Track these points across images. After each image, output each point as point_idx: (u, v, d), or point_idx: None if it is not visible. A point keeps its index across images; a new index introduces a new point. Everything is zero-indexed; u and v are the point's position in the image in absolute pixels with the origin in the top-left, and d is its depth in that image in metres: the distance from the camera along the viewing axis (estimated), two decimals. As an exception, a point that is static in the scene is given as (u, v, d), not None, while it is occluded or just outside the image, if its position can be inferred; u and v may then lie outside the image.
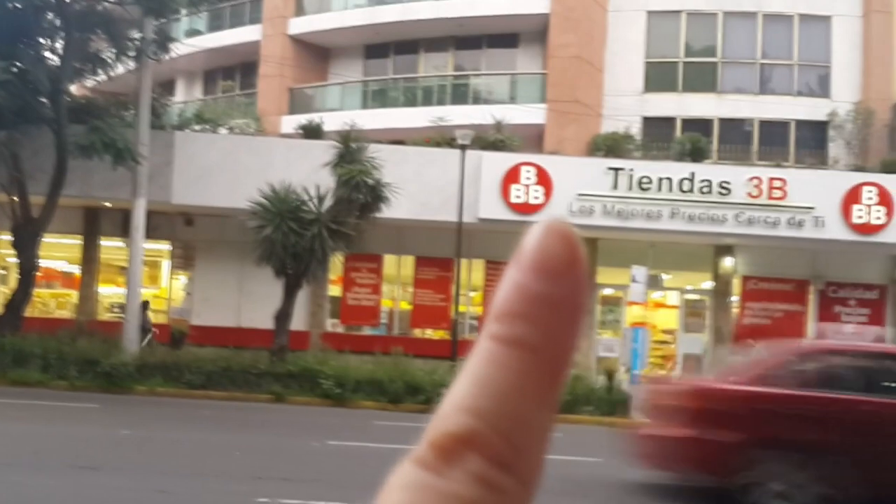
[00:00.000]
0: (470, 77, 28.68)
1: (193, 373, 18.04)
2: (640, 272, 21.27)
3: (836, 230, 21.93)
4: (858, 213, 21.86)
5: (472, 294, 24.39)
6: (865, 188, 21.99)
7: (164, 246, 24.50)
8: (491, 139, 23.21)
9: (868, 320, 23.69)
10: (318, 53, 30.08)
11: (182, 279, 24.82)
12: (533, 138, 25.29)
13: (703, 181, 22.50)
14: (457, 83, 28.61)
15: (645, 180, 22.54)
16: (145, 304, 21.64)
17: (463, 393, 0.38)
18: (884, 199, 21.83)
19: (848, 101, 25.42)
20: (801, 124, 26.17)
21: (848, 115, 25.02)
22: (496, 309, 0.39)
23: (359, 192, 18.19)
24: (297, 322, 21.14)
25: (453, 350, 21.06)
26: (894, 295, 23.61)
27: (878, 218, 21.81)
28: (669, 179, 22.50)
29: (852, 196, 21.94)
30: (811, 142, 26.00)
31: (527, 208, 22.23)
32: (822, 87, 26.46)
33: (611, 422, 16.90)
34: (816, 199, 22.00)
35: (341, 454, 11.93)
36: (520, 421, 0.37)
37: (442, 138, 23.15)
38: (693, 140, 24.74)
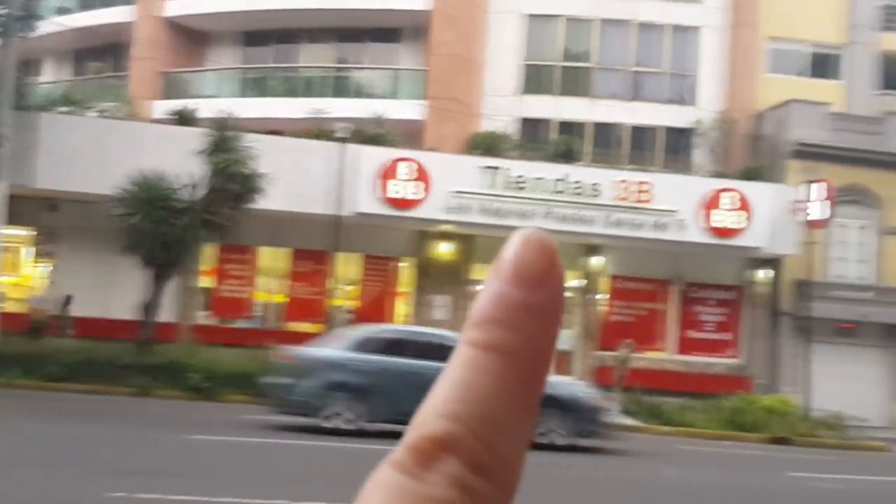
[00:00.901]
0: (351, 70, 28.59)
1: (55, 364, 17.38)
2: (512, 269, 21.71)
3: (696, 233, 22.99)
4: (718, 218, 22.99)
5: (348, 288, 24.37)
6: (725, 193, 23.14)
7: (27, 232, 23.44)
8: (370, 133, 23.23)
9: (725, 319, 24.96)
10: (194, 38, 29.33)
11: (45, 267, 23.81)
12: (412, 134, 25.45)
13: (575, 183, 23.19)
14: (337, 76, 28.47)
15: (520, 180, 23.05)
16: (68, 299, 21.21)
17: (442, 397, 0.39)
18: (741, 204, 23.02)
19: (713, 109, 26.64)
20: (669, 131, 27.26)
21: (712, 123, 26.22)
22: (476, 315, 0.40)
23: (233, 181, 17.91)
24: (168, 313, 20.65)
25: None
26: (749, 295, 24.92)
27: (736, 222, 22.99)
28: (543, 180, 23.08)
29: (712, 201, 23.05)
30: (677, 148, 27.12)
31: (404, 203, 22.39)
32: (689, 96, 27.63)
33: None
34: (680, 202, 23.01)
35: (205, 448, 11.76)
36: (498, 426, 0.38)
37: (321, 131, 23.02)
38: (566, 142, 25.45)
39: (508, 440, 0.39)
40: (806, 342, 22.54)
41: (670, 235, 23.08)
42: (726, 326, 24.88)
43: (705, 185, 23.57)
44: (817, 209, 22.90)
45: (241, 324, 23.76)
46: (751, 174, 24.25)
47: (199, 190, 17.99)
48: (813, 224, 23.03)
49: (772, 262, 24.41)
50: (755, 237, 23.01)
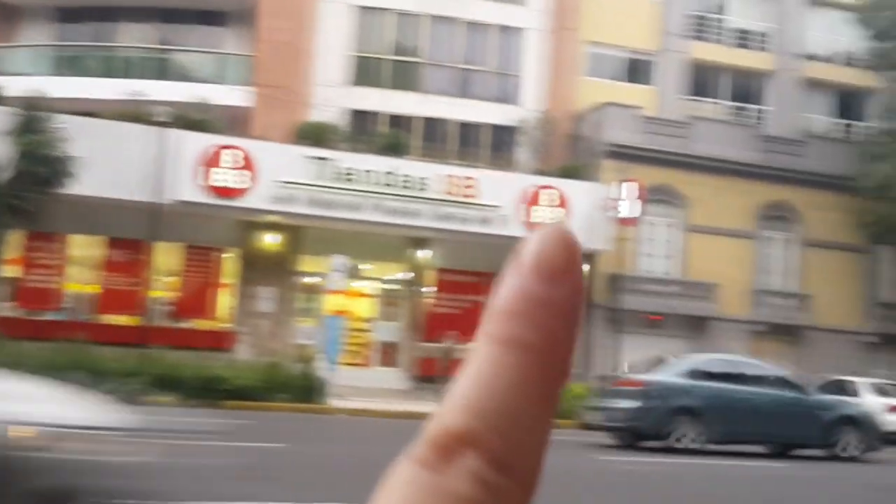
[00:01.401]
0: (174, 52, 27.54)
1: None
2: (340, 261, 21.66)
3: (518, 228, 23.73)
4: (538, 213, 23.84)
5: (167, 279, 23.48)
6: (545, 190, 24.04)
7: None
8: (193, 119, 22.48)
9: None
10: (5, 13, 27.38)
11: None
12: (238, 121, 24.86)
13: (403, 176, 23.40)
14: (159, 57, 27.35)
15: (349, 172, 23.01)
16: None
17: (463, 393, 0.38)
18: (560, 201, 23.97)
19: (535, 109, 27.56)
20: (494, 128, 27.97)
21: (534, 122, 27.12)
22: (496, 310, 0.39)
23: (41, 164, 16.89)
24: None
25: (144, 337, 20.17)
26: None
27: (554, 219, 23.89)
28: (372, 172, 23.14)
29: (534, 197, 23.88)
30: (502, 145, 27.89)
31: (229, 192, 21.85)
32: (513, 95, 28.45)
33: (306, 408, 17.13)
34: (503, 198, 23.69)
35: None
36: (519, 421, 0.38)
37: (140, 114, 22.05)
38: (396, 136, 25.61)
39: (529, 436, 0.38)
40: (617, 333, 23.74)
41: (494, 230, 23.72)
42: (545, 318, 25.82)
43: (527, 182, 24.38)
44: (629, 207, 24.19)
45: (49, 316, 22.41)
46: (569, 172, 25.28)
47: (4, 173, 16.83)
48: (624, 221, 24.30)
49: (587, 256, 25.55)
50: (574, 233, 23.98)
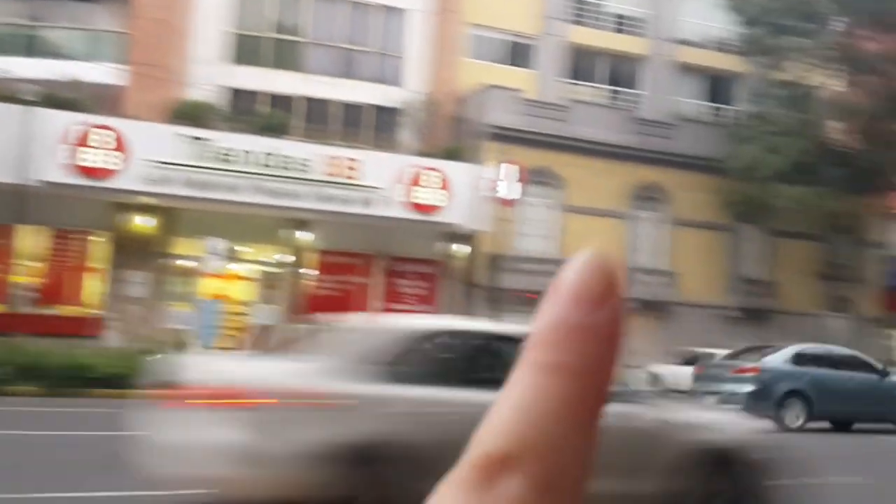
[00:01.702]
0: (43, 28, 26.48)
1: None
2: (216, 244, 21.40)
3: (400, 209, 23.92)
4: (420, 195, 24.05)
5: (32, 264, 22.68)
6: (428, 172, 24.25)
7: None
8: (62, 97, 21.74)
9: (425, 292, 26.22)
10: None
11: None
12: (111, 100, 24.14)
13: (284, 157, 23.23)
14: (27, 34, 26.25)
15: (227, 152, 22.70)
16: None
17: (504, 418, 0.40)
18: (442, 182, 24.24)
19: (418, 90, 27.71)
20: (376, 109, 27.99)
21: (417, 103, 27.27)
22: (536, 337, 0.40)
23: None
24: None
25: (7, 325, 19.50)
26: (447, 269, 26.35)
27: (437, 199, 24.19)
28: (251, 153, 22.89)
29: (416, 178, 24.08)
30: (385, 126, 27.95)
31: (99, 173, 21.28)
32: (396, 76, 28.51)
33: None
34: (385, 180, 23.81)
35: None
36: (561, 445, 0.39)
37: (5, 92, 21.21)
38: (277, 116, 25.37)
39: (571, 459, 0.39)
40: (497, 312, 24.16)
41: (376, 211, 23.82)
42: (426, 298, 26.14)
43: (409, 164, 24.54)
44: (509, 189, 24.67)
45: None
46: (451, 154, 25.56)
47: None
48: (504, 202, 24.76)
49: (468, 237, 25.97)
50: (453, 214, 24.34)
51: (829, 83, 29.85)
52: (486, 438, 0.39)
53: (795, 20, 27.57)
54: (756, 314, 29.30)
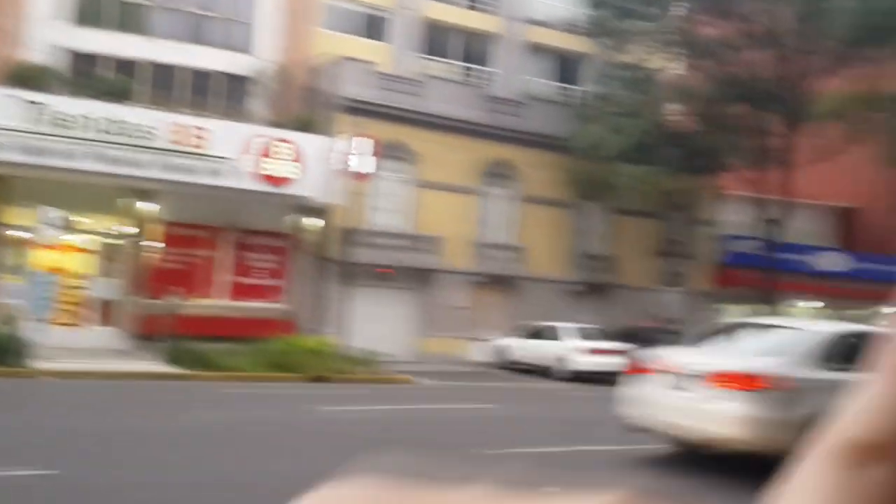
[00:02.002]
0: None
1: None
2: (51, 213, 20.34)
3: (250, 181, 23.45)
4: (271, 166, 23.66)
5: None
6: (279, 143, 23.86)
7: None
8: None
9: (276, 265, 25.90)
10: None
11: None
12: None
13: (126, 124, 22.30)
14: None
15: (65, 117, 21.59)
16: None
17: (869, 409, 0.44)
18: (293, 154, 23.93)
19: (270, 59, 27.13)
20: (226, 77, 27.23)
21: (269, 72, 26.72)
22: None
23: None
24: None
25: None
26: (298, 243, 26.10)
27: (288, 172, 23.86)
28: (91, 119, 21.86)
29: (266, 149, 23.64)
30: (234, 94, 27.23)
31: (-79, 137, 19.78)
32: (247, 43, 27.78)
33: (5, 371, 16.10)
34: (234, 150, 23.26)
35: None
36: None
37: None
38: (121, 81, 24.28)
39: None
40: (349, 286, 24.24)
41: (225, 182, 23.27)
42: (276, 272, 25.83)
43: (260, 134, 24.06)
44: (362, 162, 24.61)
45: None
46: (303, 125, 25.24)
47: None
48: (358, 176, 24.70)
49: (320, 210, 25.79)
50: (305, 186, 24.08)
51: (670, 66, 31.29)
52: (852, 427, 0.44)
53: (638, 4, 28.67)
54: (598, 289, 30.58)
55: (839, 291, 35.24)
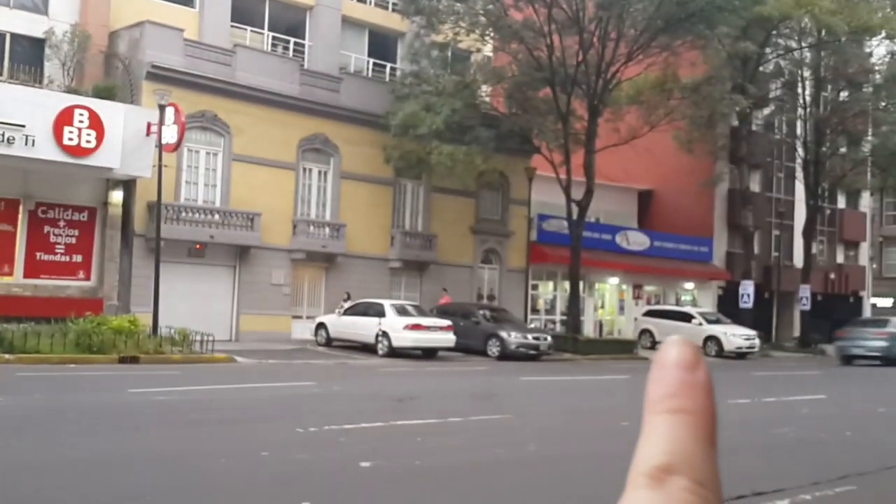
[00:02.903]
0: None
1: None
2: None
3: (47, 150, 21.74)
4: (70, 135, 22.00)
5: None
6: (78, 111, 22.22)
7: None
8: None
9: (77, 241, 24.22)
10: None
11: None
12: None
13: None
14: None
15: None
16: None
17: (656, 444, 0.57)
18: (94, 122, 22.35)
19: (67, 21, 25.22)
20: (18, 38, 25.09)
21: (65, 35, 24.84)
22: (660, 393, 0.58)
23: None
24: None
25: None
26: (103, 217, 24.53)
27: (89, 141, 22.28)
28: None
29: (64, 117, 21.96)
30: (27, 58, 25.14)
31: None
32: (41, 4, 25.70)
33: None
34: (29, 117, 21.44)
35: None
36: (703, 457, 0.57)
37: None
38: None
39: (710, 467, 0.57)
40: (161, 263, 22.93)
41: (18, 152, 21.43)
42: (79, 248, 24.17)
43: (57, 101, 22.33)
44: (169, 133, 23.31)
45: None
46: (104, 93, 23.68)
47: None
48: (165, 147, 23.34)
49: (126, 183, 24.33)
50: (108, 157, 22.60)
51: (481, 48, 31.84)
52: (650, 456, 0.56)
53: (451, -17, 28.89)
54: (416, 265, 30.77)
55: (639, 268, 37.39)
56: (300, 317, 28.24)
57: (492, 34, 31.19)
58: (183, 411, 12.13)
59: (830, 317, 43.67)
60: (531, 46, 29.71)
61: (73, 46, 24.87)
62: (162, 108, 22.58)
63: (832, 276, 46.60)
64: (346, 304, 26.47)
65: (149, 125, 23.09)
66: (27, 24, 24.99)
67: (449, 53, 31.48)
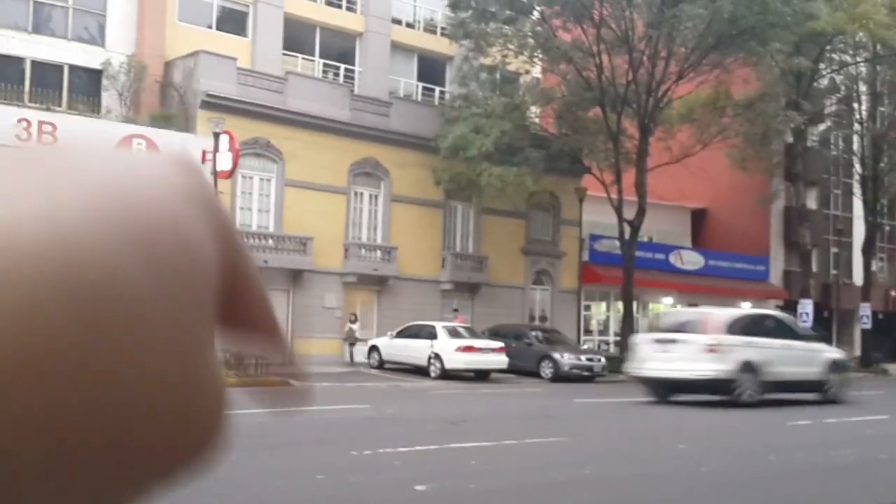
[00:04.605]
0: None
1: None
2: None
3: (105, 179, 22.19)
4: (127, 164, 22.42)
5: None
6: (136, 140, 22.75)
7: None
8: None
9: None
10: None
11: None
12: None
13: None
14: None
15: None
16: None
17: None
18: (151, 151, 22.78)
19: (123, 52, 25.87)
20: (76, 70, 25.81)
21: (122, 66, 25.47)
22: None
23: None
24: None
25: None
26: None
27: (146, 169, 22.69)
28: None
29: (123, 147, 22.36)
30: (85, 89, 25.83)
31: None
32: (98, 36, 26.43)
33: None
34: (87, 146, 21.94)
35: None
36: None
37: None
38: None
39: None
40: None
41: (77, 181, 21.92)
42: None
43: (115, 130, 22.87)
44: (224, 160, 23.72)
45: None
46: (160, 122, 24.20)
47: None
48: (220, 174, 23.76)
49: (181, 210, 24.71)
50: (165, 185, 22.98)
51: (530, 70, 31.89)
52: None
53: (497, 6, 29.02)
54: (468, 287, 30.74)
55: (693, 288, 36.88)
56: (353, 339, 28.35)
57: (540, 55, 31.22)
58: (238, 435, 12.19)
59: (892, 335, 42.52)
60: (580, 67, 29.66)
61: (129, 77, 25.49)
62: (216, 135, 23.04)
63: (893, 293, 45.44)
64: (353, 326, 26.56)
65: (204, 153, 23.53)
66: (85, 56, 25.67)
67: (498, 76, 31.59)
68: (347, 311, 28.22)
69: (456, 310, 29.39)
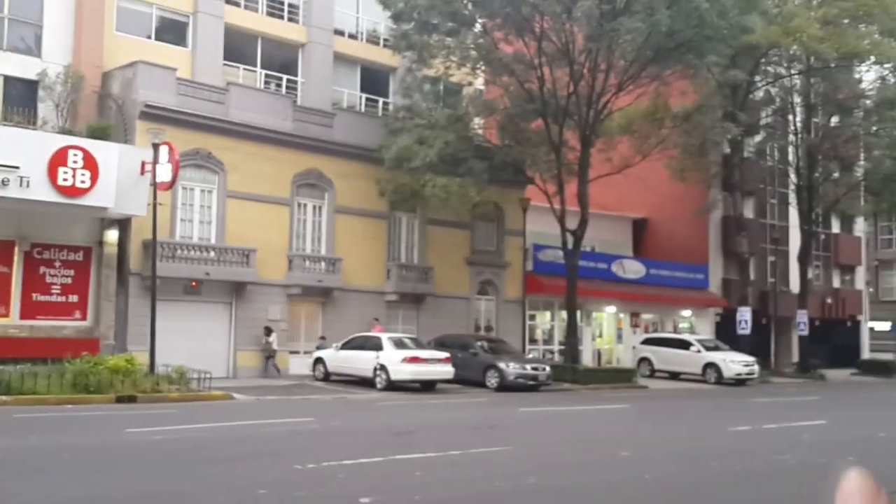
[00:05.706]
0: None
1: None
2: None
3: (42, 191, 21.73)
4: (64, 176, 22.01)
5: None
6: (72, 151, 22.24)
7: None
8: None
9: (74, 281, 24.15)
10: None
11: None
12: None
13: None
14: None
15: None
16: None
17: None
18: (88, 163, 22.36)
19: (60, 63, 25.36)
20: (11, 80, 25.22)
21: (59, 77, 24.96)
22: None
23: None
24: None
25: None
26: (98, 256, 24.49)
27: (84, 182, 22.28)
28: None
29: (59, 158, 21.97)
30: (21, 100, 25.24)
31: None
32: (34, 46, 25.86)
33: None
34: (23, 159, 21.47)
35: None
36: None
37: None
38: None
39: None
40: (154, 301, 22.87)
41: (13, 193, 21.43)
42: (75, 288, 24.10)
43: (51, 142, 22.36)
44: (164, 171, 23.32)
45: None
46: (98, 133, 23.73)
47: None
48: (160, 186, 23.34)
49: (121, 222, 24.33)
50: (103, 197, 22.60)
51: (472, 81, 32.07)
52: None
53: (440, 18, 29.13)
54: (413, 298, 30.72)
55: (636, 296, 37.39)
56: (297, 352, 28.13)
57: (483, 67, 31.42)
58: (181, 450, 12.02)
59: (829, 342, 43.60)
60: (522, 79, 29.92)
61: (66, 87, 24.98)
62: (156, 146, 22.62)
63: (829, 300, 46.63)
64: (270, 339, 26.40)
65: (143, 164, 23.12)
66: (20, 67, 25.12)
67: (441, 87, 31.73)
68: (292, 321, 28.00)
69: (376, 319, 29.12)
